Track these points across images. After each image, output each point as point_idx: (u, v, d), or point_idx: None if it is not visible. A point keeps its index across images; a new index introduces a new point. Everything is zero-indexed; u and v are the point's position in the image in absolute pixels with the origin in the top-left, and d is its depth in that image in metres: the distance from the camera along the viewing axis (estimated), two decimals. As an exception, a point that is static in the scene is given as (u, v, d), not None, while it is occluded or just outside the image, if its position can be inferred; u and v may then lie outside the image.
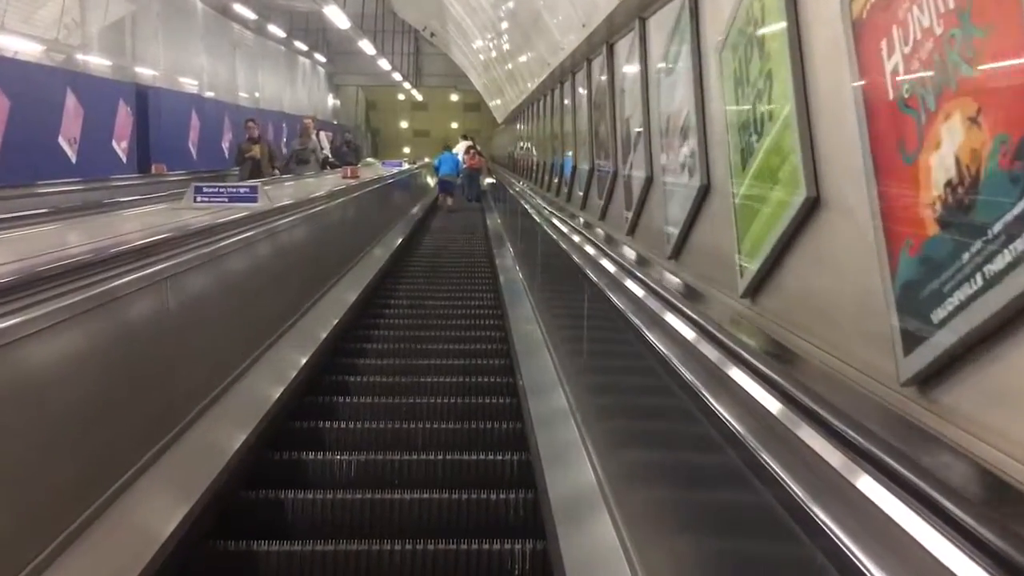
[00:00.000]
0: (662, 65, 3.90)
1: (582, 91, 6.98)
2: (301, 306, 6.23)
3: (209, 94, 18.66)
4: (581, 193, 6.81)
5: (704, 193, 3.26)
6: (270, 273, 5.69)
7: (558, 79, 8.64)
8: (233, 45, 20.27)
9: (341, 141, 16.42)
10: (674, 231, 3.64)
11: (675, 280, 3.23)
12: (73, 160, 12.32)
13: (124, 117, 14.15)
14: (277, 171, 11.16)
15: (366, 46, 19.06)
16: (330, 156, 14.27)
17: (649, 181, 4.28)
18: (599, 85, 5.93)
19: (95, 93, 13.07)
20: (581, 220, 6.05)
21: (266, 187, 8.60)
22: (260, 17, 21.13)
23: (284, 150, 14.37)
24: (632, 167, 4.65)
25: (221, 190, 6.78)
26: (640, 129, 4.42)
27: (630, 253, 4.08)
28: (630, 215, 4.65)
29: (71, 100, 12.24)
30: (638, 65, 4.46)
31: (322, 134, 14.73)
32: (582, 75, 6.90)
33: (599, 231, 5.16)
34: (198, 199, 6.73)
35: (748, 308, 2.69)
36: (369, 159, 26.22)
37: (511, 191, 12.65)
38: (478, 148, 23.15)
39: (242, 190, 6.74)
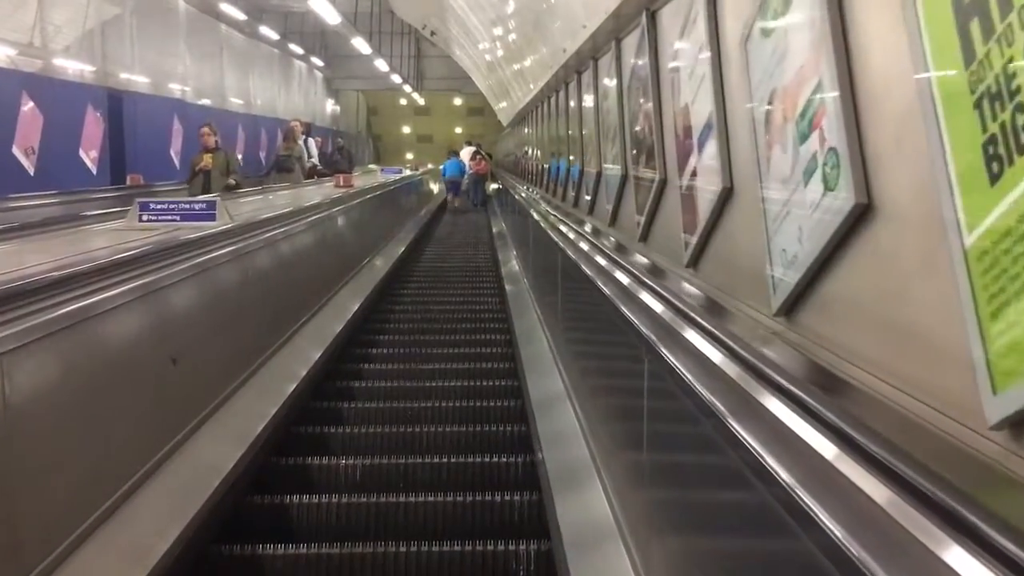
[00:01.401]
0: (759, 26, 2.58)
1: (608, 82, 5.67)
2: (262, 352, 4.94)
3: (194, 99, 17.39)
4: (609, 207, 5.50)
5: (856, 218, 1.94)
6: (214, 316, 4.40)
7: (575, 69, 7.33)
8: (220, 47, 18.99)
9: (333, 147, 15.12)
10: (787, 277, 2.32)
11: (806, 364, 1.95)
12: (31, 172, 11.04)
13: (93, 124, 12.87)
14: (233, 182, 9.62)
15: (360, 44, 17.77)
16: (318, 164, 12.95)
17: (727, 194, 2.96)
18: (635, 69, 4.62)
19: (57, 98, 11.79)
20: (612, 240, 4.76)
21: (229, 200, 7.35)
22: (250, 18, 19.87)
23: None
24: (695, 174, 3.33)
25: (171, 206, 5.64)
26: (709, 121, 3.11)
27: (694, 291, 2.79)
28: (693, 240, 3.33)
29: (28, 106, 10.97)
30: (703, 31, 3.15)
31: (311, 140, 13.40)
32: (607, 60, 5.59)
33: (639, 257, 3.86)
34: (144, 217, 5.61)
35: (1015, 453, 1.37)
36: (371, 166, 25.15)
37: (517, 196, 11.47)
38: (483, 153, 22.46)
39: (197, 206, 5.58)
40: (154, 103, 15.53)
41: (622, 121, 5.08)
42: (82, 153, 12.63)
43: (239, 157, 17.12)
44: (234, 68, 20.21)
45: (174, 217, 5.52)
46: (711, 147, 3.10)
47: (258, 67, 22.30)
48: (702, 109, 3.21)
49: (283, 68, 24.99)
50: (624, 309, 2.84)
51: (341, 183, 11.14)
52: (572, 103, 7.74)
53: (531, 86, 11.99)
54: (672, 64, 3.71)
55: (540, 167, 11.87)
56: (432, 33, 20.67)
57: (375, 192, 12.05)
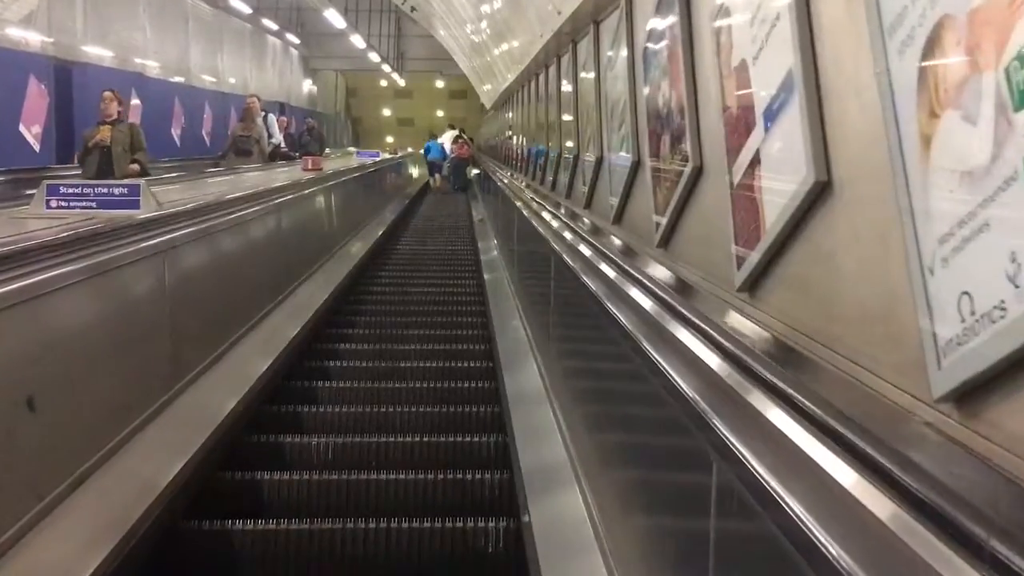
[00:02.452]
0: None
1: (614, 48, 4.67)
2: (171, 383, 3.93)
3: (154, 73, 16.22)
4: (614, 201, 4.50)
5: None
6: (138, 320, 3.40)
7: (570, 38, 6.32)
8: (185, 18, 17.78)
9: (303, 127, 14.00)
10: (980, 343, 1.33)
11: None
12: (-42, 149, 9.94)
13: (36, 97, 11.75)
14: (139, 165, 8.04)
15: (333, 17, 16.63)
16: (283, 144, 11.84)
17: (819, 192, 1.97)
18: (655, 26, 3.62)
19: (-8, 67, 10.67)
20: (617, 242, 3.81)
21: (159, 187, 6.37)
22: (219, -12, 18.71)
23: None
24: (758, 163, 2.33)
25: (86, 190, 4.70)
26: (787, 83, 2.12)
27: (758, 330, 1.87)
28: (752, 256, 2.34)
29: (-44, 75, 9.86)
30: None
31: (271, 118, 12.25)
32: (614, 20, 4.59)
33: (664, 270, 2.92)
34: (52, 203, 4.75)
35: None
36: (350, 148, 24.09)
37: (500, 183, 10.65)
38: (465, 137, 22.15)
39: (116, 190, 4.68)
40: (108, 76, 14.32)
41: (634, 95, 4.08)
42: (23, 128, 11.52)
43: (218, 138, 15.82)
44: (201, 42, 19.02)
45: (88, 203, 4.69)
46: (789, 122, 2.11)
47: (227, 42, 21.10)
48: (773, 67, 2.22)
49: (255, 44, 23.76)
50: (668, 370, 1.85)
51: (310, 166, 10.17)
52: (565, 79, 6.73)
53: (518, 64, 10.96)
54: (717, 9, 2.70)
55: (526, 152, 10.86)
56: (412, 9, 19.55)
57: (348, 176, 11.05)
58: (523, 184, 8.81)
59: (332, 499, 3.48)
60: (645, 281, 2.65)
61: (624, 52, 4.29)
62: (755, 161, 2.34)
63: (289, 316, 5.99)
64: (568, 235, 4.22)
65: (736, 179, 2.50)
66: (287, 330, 5.63)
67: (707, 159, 2.93)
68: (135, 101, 15.17)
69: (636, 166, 4.04)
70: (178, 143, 17.24)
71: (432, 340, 6.11)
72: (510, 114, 14.81)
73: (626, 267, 2.95)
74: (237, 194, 5.83)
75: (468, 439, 4.08)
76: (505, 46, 12.09)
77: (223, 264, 5.18)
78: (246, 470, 3.55)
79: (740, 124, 2.48)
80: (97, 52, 14.16)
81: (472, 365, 5.41)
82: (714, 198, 2.81)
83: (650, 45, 3.67)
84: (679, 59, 3.14)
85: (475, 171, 20.99)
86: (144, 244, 3.86)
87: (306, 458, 3.85)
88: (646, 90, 3.78)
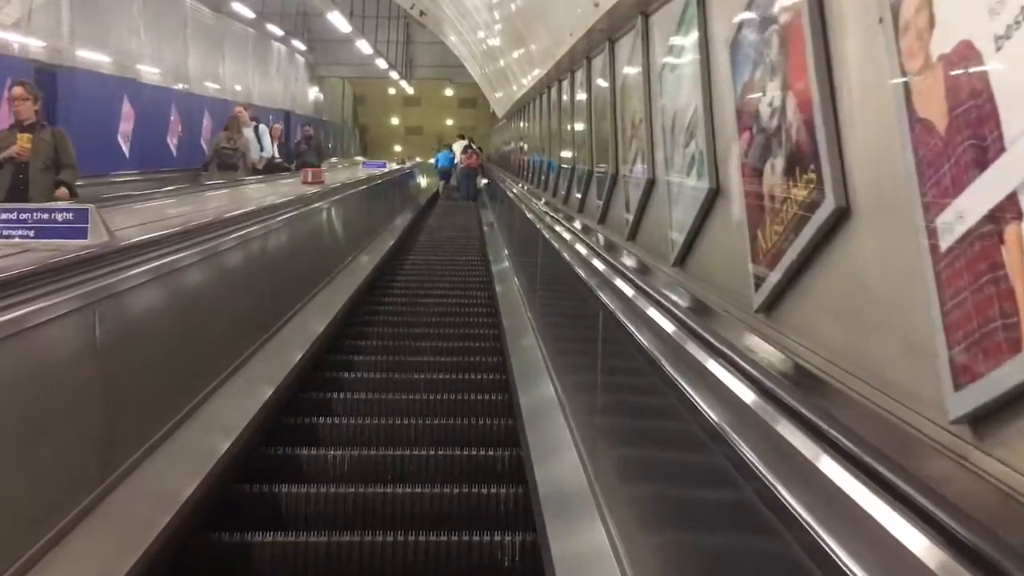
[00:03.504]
0: None
1: (677, 37, 3.71)
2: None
3: (150, 79, 15.32)
4: (677, 237, 3.51)
5: None
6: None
7: (606, 35, 5.35)
8: (183, 22, 16.87)
9: (301, 136, 13.05)
10: None
11: None
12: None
13: (14, 103, 10.81)
14: (66, 187, 6.35)
15: (338, 20, 15.72)
16: (277, 156, 10.86)
17: None
18: (753, 12, 2.64)
19: (-37, 70, 9.76)
20: (685, 298, 2.84)
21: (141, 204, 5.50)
22: (221, -9, 17.82)
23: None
24: (1017, 214, 1.36)
25: (23, 216, 3.79)
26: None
27: None
28: (1005, 377, 1.36)
29: (-81, 79, 8.94)
30: None
31: (263, 128, 11.26)
32: (671, 10, 3.62)
33: (782, 358, 1.97)
34: None
35: None
36: (357, 158, 23.26)
37: (511, 192, 9.97)
38: (475, 147, 21.91)
39: (59, 216, 3.78)
40: (98, 82, 13.45)
41: (709, 102, 3.11)
42: (-2, 137, 10.58)
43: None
44: (200, 47, 18.12)
45: (25, 231, 3.94)
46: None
47: (229, 47, 20.20)
48: None
49: (259, 50, 22.86)
50: None
51: (310, 179, 9.24)
52: (601, 81, 5.76)
53: (537, 70, 10.00)
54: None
55: (545, 166, 9.89)
56: (421, 14, 18.66)
57: (352, 190, 10.11)
58: (542, 203, 7.86)
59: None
60: (773, 387, 1.68)
61: (690, 47, 3.33)
62: (1008, 209, 1.36)
63: (293, 341, 5.57)
64: (618, 281, 3.24)
65: (952, 235, 1.51)
66: (291, 353, 5.22)
67: (859, 195, 1.95)
68: (127, 108, 14.31)
69: (713, 195, 3.06)
70: (174, 153, 16.36)
71: (444, 352, 6.04)
72: (525, 124, 13.87)
73: (729, 352, 1.97)
74: (235, 212, 5.02)
75: (482, 452, 4.08)
76: (522, 50, 11.14)
77: (212, 290, 4.27)
78: None
79: (958, 146, 1.50)
80: (86, 56, 13.24)
81: (485, 377, 5.41)
82: (880, 258, 1.84)
83: (743, 32, 2.70)
84: (803, 46, 2.18)
85: (484, 181, 20.58)
86: (70, 296, 2.92)
87: None
88: (733, 95, 2.81)
